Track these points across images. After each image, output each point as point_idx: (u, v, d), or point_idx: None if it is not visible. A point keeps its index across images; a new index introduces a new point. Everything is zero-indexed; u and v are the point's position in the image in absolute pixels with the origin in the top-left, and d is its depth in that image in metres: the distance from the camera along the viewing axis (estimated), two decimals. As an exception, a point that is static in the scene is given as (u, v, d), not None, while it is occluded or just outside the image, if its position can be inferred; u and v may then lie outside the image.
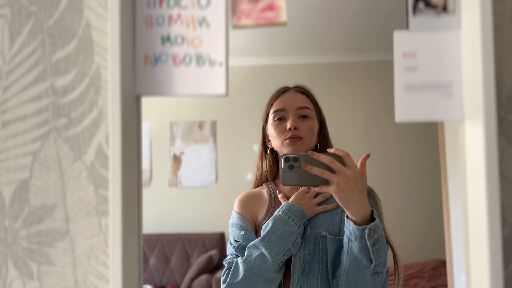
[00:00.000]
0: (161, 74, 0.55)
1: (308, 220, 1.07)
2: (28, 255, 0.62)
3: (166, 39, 0.55)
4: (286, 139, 1.09)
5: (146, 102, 4.08)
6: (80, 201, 0.61)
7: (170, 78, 0.55)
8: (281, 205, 1.07)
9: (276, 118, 1.13)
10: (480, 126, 0.51)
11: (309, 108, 1.13)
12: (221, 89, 0.53)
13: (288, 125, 1.09)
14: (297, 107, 1.12)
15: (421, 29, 0.51)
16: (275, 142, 1.13)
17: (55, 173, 0.62)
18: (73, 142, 0.61)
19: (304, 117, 1.12)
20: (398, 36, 0.52)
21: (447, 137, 2.11)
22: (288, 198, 1.11)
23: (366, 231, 0.89)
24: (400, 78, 0.51)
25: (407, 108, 0.51)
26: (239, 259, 1.04)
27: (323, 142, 1.17)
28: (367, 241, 0.90)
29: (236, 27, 0.53)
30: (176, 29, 0.55)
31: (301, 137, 1.09)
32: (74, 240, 0.61)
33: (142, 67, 0.56)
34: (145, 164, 4.15)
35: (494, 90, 0.51)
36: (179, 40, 0.55)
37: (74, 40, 0.61)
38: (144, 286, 3.71)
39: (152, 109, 4.15)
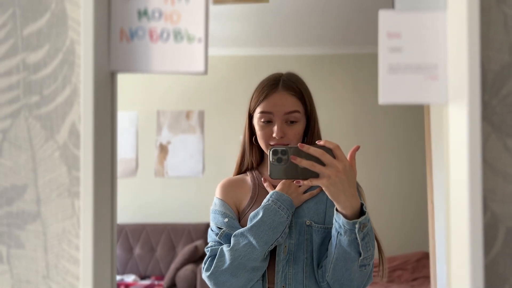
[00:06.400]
0: (137, 50, 0.53)
1: None
2: (-3, 238, 0.60)
3: (143, 13, 0.53)
4: (271, 145, 1.06)
5: (133, 91, 4.03)
6: (52, 182, 0.59)
7: (146, 54, 0.52)
8: (270, 193, 1.04)
9: (262, 120, 1.08)
10: (464, 110, 0.49)
11: (297, 111, 1.07)
12: (200, 67, 0.51)
13: (274, 133, 1.05)
14: (285, 112, 1.06)
15: (407, 8, 0.50)
16: (260, 142, 1.10)
17: (26, 153, 0.59)
18: (45, 121, 0.59)
19: (291, 121, 1.07)
20: (383, 16, 0.50)
21: (433, 130, 2.12)
22: (274, 186, 1.09)
23: (357, 225, 0.88)
24: (384, 59, 0.50)
25: (391, 90, 0.50)
26: (225, 247, 1.02)
27: (309, 134, 1.12)
28: (357, 235, 0.89)
29: (216, 2, 0.50)
30: (153, 3, 0.52)
31: (287, 144, 1.06)
32: (45, 222, 0.59)
33: (117, 43, 0.53)
34: (131, 154, 4.10)
35: (479, 74, 0.49)
36: (156, 14, 0.52)
37: (46, 13, 0.58)
38: (128, 275, 3.68)
39: (139, 98, 4.09)
